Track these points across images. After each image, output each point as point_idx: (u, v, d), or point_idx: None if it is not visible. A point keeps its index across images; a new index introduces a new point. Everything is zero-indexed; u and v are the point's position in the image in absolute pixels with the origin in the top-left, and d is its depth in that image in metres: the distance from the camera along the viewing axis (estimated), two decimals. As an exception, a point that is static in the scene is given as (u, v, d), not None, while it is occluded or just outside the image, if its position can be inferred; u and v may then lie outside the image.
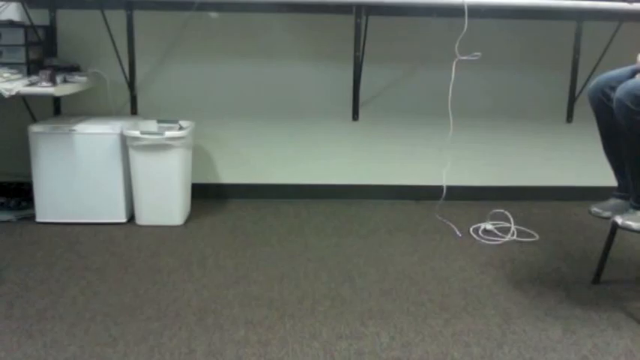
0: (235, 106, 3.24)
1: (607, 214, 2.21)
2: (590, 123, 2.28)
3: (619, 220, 2.05)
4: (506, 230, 2.86)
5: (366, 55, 3.12)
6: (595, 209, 2.25)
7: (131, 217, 2.90)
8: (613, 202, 2.25)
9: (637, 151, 2.06)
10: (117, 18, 3.07)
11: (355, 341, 1.86)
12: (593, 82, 2.24)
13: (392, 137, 3.32)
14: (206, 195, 3.25)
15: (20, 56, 2.81)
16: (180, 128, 2.93)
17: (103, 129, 2.80)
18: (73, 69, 2.99)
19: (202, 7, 3.03)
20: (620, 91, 1.99)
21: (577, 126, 3.32)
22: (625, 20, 3.04)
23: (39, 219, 2.84)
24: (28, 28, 2.87)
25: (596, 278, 2.31)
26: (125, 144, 2.81)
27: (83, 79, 2.90)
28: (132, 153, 2.80)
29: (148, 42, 3.13)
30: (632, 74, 2.10)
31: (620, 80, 2.08)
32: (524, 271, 2.42)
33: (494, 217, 2.97)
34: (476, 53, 2.85)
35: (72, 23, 3.09)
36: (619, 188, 2.26)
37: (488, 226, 2.89)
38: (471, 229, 2.88)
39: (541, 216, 3.11)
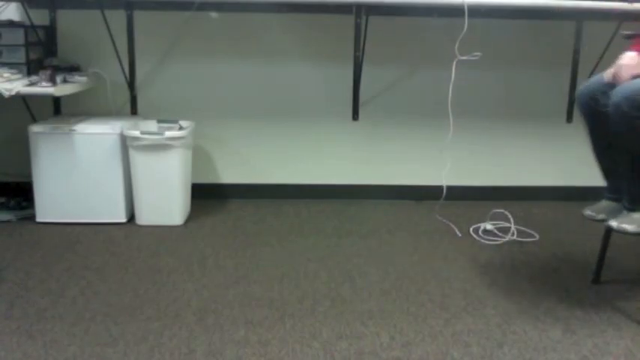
0: (235, 106, 3.24)
1: (601, 216, 2.20)
2: (590, 123, 2.28)
3: (614, 223, 2.04)
4: (506, 230, 2.86)
5: (366, 55, 3.12)
6: (588, 212, 2.24)
7: (131, 217, 2.90)
8: (605, 204, 2.24)
9: (634, 154, 2.06)
10: (117, 18, 3.07)
11: (355, 341, 1.86)
12: (581, 88, 2.21)
13: (392, 137, 3.32)
14: (206, 195, 3.25)
15: (20, 56, 2.81)
16: (180, 128, 2.93)
17: (103, 129, 2.80)
18: (73, 69, 2.99)
19: (202, 7, 3.03)
20: (617, 97, 1.96)
21: (577, 126, 3.32)
22: (625, 20, 3.04)
23: (39, 219, 2.84)
24: (28, 28, 2.87)
25: (596, 278, 2.31)
26: (125, 144, 2.81)
27: (83, 79, 2.90)
28: (132, 153, 2.80)
29: (148, 42, 3.13)
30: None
31: (611, 85, 2.06)
32: (524, 271, 2.42)
33: (494, 217, 2.97)
34: (476, 53, 2.85)
35: (72, 23, 3.09)
36: (610, 190, 2.25)
37: (488, 226, 2.89)
38: (471, 229, 2.88)
39: (541, 216, 3.11)
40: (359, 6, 3.02)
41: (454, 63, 2.86)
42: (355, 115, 3.26)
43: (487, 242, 2.74)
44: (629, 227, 2.02)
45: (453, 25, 2.85)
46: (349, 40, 3.13)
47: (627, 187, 2.11)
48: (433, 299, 2.15)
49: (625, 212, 2.09)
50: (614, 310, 2.09)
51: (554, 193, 3.39)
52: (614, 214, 2.13)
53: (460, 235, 2.83)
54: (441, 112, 3.04)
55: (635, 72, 2.03)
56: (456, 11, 2.75)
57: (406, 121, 3.30)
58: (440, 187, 3.15)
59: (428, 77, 3.23)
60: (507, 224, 2.90)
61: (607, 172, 2.25)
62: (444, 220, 3.00)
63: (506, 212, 2.98)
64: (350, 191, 3.36)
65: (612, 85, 2.04)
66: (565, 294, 2.22)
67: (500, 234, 2.82)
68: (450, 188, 3.14)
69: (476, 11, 2.79)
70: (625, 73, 2.03)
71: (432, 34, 3.17)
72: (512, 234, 2.81)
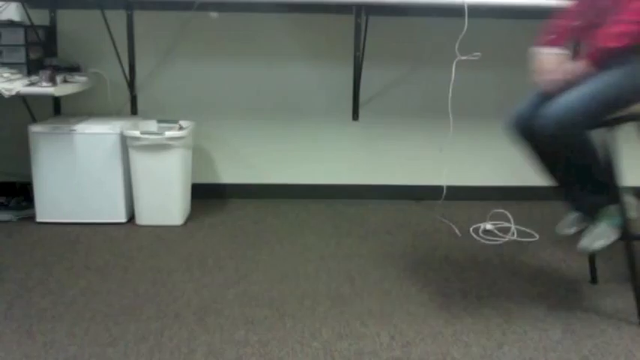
0: (235, 106, 3.24)
1: (573, 229, 2.15)
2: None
3: (585, 244, 2.00)
4: (506, 230, 2.86)
5: (366, 55, 3.12)
6: (562, 231, 2.17)
7: (131, 217, 2.90)
8: (572, 216, 2.18)
9: (581, 166, 2.00)
10: (117, 18, 3.07)
11: (355, 341, 1.86)
12: (511, 116, 2.11)
13: (392, 137, 3.32)
14: (206, 195, 3.25)
15: (20, 56, 2.81)
16: (180, 128, 2.93)
17: (103, 129, 2.80)
18: (73, 69, 2.99)
19: (202, 7, 3.02)
20: (548, 121, 1.89)
21: (577, 126, 3.32)
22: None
23: (39, 219, 2.84)
24: (28, 28, 2.87)
25: (593, 279, 2.31)
26: (125, 144, 2.81)
27: (83, 79, 2.90)
28: (132, 153, 2.80)
29: (148, 42, 3.13)
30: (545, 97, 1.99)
31: (537, 106, 1.99)
32: (524, 271, 2.42)
33: (494, 217, 2.97)
34: (476, 53, 2.85)
35: (72, 23, 3.09)
36: (570, 204, 2.17)
37: (488, 226, 2.89)
38: (471, 229, 2.88)
39: (541, 216, 3.11)
40: (359, 6, 3.02)
41: (454, 63, 2.86)
42: (355, 115, 3.26)
43: (487, 242, 2.74)
44: (598, 244, 1.99)
45: (453, 25, 2.85)
46: (349, 40, 3.13)
47: (582, 199, 2.07)
48: (433, 299, 2.15)
49: (590, 227, 2.04)
50: (614, 310, 2.09)
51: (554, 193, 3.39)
52: (584, 222, 2.08)
53: (460, 235, 2.83)
54: (441, 112, 3.04)
55: (559, 74, 1.97)
56: (456, 11, 2.75)
57: (406, 120, 3.30)
58: (440, 187, 3.15)
59: (428, 77, 3.23)
60: (507, 224, 2.90)
61: (562, 190, 2.18)
62: (444, 220, 3.00)
63: (506, 212, 2.97)
64: (350, 191, 3.36)
65: (542, 100, 1.97)
66: (565, 294, 2.22)
67: (500, 234, 2.82)
68: (450, 188, 3.14)
69: (476, 11, 2.79)
70: (548, 81, 1.98)
71: (432, 34, 3.17)
72: (512, 234, 2.81)
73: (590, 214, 2.05)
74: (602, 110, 1.91)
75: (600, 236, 2.01)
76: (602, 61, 1.92)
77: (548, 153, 2.07)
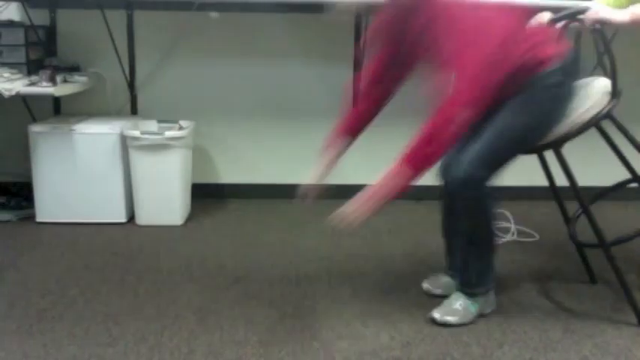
0: (235, 106, 3.24)
1: (438, 291, 2.13)
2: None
3: (437, 315, 1.96)
4: (506, 230, 2.85)
5: (366, 55, 3.12)
6: (426, 285, 2.16)
7: (131, 217, 2.90)
8: (444, 280, 2.16)
9: (474, 231, 2.02)
10: (117, 18, 3.07)
11: (355, 341, 1.86)
12: (442, 163, 2.09)
13: (392, 137, 3.31)
14: (206, 195, 3.25)
15: (20, 56, 2.81)
16: (180, 128, 2.93)
17: (103, 129, 2.80)
18: (73, 69, 2.99)
19: (202, 7, 3.03)
20: (453, 179, 1.94)
21: (577, 126, 3.32)
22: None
23: (39, 219, 2.84)
24: (28, 28, 2.87)
25: (592, 278, 2.31)
26: (125, 144, 2.81)
27: (83, 79, 2.90)
28: (132, 153, 2.80)
29: (147, 42, 3.13)
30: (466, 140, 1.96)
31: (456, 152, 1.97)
32: (524, 271, 2.42)
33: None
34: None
35: (72, 23, 3.09)
36: (450, 267, 2.17)
37: (488, 226, 2.89)
38: (471, 229, 2.88)
39: (541, 216, 3.11)
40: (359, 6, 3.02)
41: (454, 63, 2.85)
42: (355, 115, 3.26)
43: (487, 242, 2.73)
44: (451, 319, 1.95)
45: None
46: (349, 40, 3.13)
47: (464, 269, 2.03)
48: (433, 299, 2.15)
49: (445, 302, 2.00)
50: (614, 310, 2.09)
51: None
52: (451, 290, 2.05)
53: (460, 235, 2.82)
54: (441, 112, 3.03)
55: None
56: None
57: (406, 120, 3.29)
58: (440, 188, 3.14)
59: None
60: (507, 224, 2.90)
61: (450, 249, 2.17)
62: (444, 220, 2.99)
63: (506, 212, 2.97)
64: (350, 191, 3.34)
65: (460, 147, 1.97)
66: (565, 294, 2.22)
67: (500, 234, 2.82)
68: (450, 188, 3.13)
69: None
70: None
71: (432, 34, 3.16)
72: (513, 234, 2.81)
73: (467, 286, 2.01)
74: (512, 154, 1.98)
75: (455, 313, 1.97)
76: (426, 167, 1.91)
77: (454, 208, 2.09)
